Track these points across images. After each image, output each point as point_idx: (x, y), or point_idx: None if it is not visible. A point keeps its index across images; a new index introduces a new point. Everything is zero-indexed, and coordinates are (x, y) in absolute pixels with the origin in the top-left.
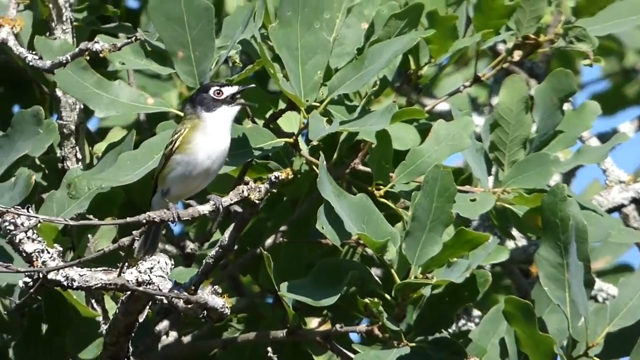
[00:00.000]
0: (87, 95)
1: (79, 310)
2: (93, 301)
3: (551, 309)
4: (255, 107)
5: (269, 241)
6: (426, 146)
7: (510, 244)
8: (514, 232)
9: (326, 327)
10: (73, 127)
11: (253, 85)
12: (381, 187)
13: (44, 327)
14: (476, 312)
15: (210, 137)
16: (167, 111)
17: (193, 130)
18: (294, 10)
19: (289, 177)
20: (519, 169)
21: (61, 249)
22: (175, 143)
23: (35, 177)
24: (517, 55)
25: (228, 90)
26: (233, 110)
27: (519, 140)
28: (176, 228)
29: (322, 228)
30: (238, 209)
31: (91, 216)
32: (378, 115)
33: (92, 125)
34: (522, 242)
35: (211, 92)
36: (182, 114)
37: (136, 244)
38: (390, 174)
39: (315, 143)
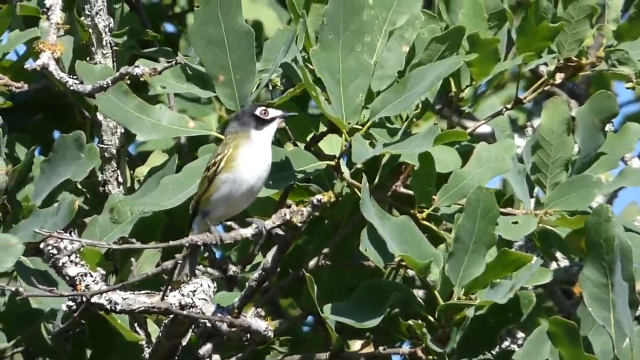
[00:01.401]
0: (129, 119)
1: (122, 334)
2: (136, 325)
3: (595, 330)
4: (295, 127)
5: (311, 264)
6: (468, 169)
7: (552, 265)
8: (556, 253)
9: (369, 349)
10: (114, 151)
11: (296, 113)
12: (424, 209)
13: (88, 351)
14: (520, 334)
15: (256, 154)
16: (208, 134)
17: (238, 148)
18: (335, 34)
19: (331, 200)
20: (561, 191)
21: (104, 272)
22: (220, 163)
23: (78, 202)
24: (559, 77)
25: (273, 112)
26: (273, 128)
27: (561, 162)
28: (218, 251)
29: (366, 250)
30: (280, 231)
31: (134, 240)
32: (420, 137)
33: (132, 148)
34: (564, 262)
35: (258, 112)
36: (222, 137)
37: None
38: (433, 197)
39: (359, 166)
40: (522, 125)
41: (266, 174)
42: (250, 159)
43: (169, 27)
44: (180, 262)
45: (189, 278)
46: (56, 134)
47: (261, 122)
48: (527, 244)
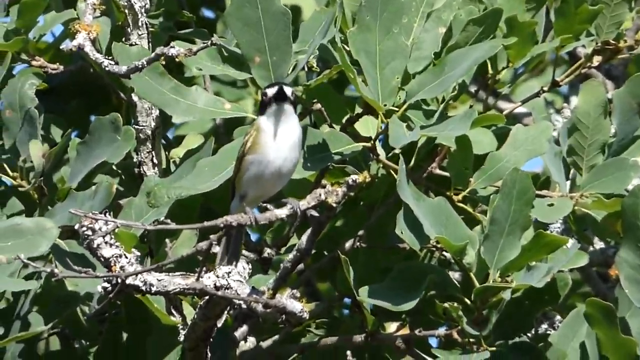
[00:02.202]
0: (165, 100)
1: (158, 316)
2: (172, 307)
3: (633, 312)
4: (330, 108)
5: (346, 246)
6: (504, 151)
7: (588, 248)
8: (593, 237)
9: (405, 331)
10: (149, 132)
11: (286, 86)
12: (459, 191)
13: (124, 334)
14: (556, 317)
15: (273, 135)
16: (244, 116)
17: (258, 132)
18: (373, 15)
19: (366, 180)
20: (597, 174)
21: (139, 254)
22: (246, 144)
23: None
24: (596, 60)
25: (270, 91)
26: (274, 107)
27: (598, 145)
28: (254, 234)
29: (402, 232)
30: (315, 213)
31: (168, 220)
32: (457, 120)
33: (170, 133)
34: (599, 245)
35: (262, 95)
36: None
37: (215, 249)
38: (469, 179)
39: (397, 151)
40: (558, 108)
41: (294, 152)
42: (269, 140)
43: (207, 12)
44: (214, 242)
45: (233, 263)
46: (92, 117)
47: (263, 105)
48: (563, 227)
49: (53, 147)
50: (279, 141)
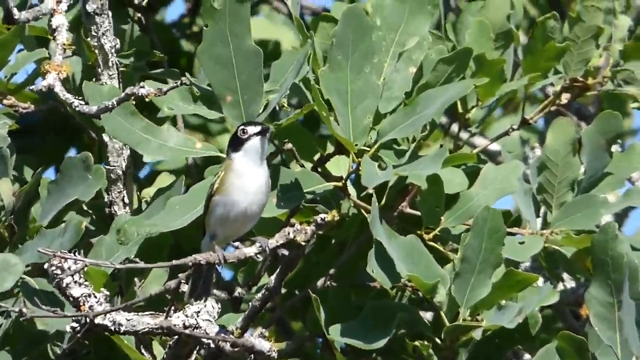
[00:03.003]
0: (136, 140)
1: (129, 355)
2: (142, 346)
3: (602, 350)
4: (301, 147)
5: (317, 284)
6: (475, 190)
7: (558, 286)
8: (563, 274)
9: None
10: (120, 172)
11: (271, 126)
12: (431, 230)
13: None
14: (526, 355)
15: (242, 176)
16: (216, 155)
17: (227, 171)
18: (344, 55)
19: (335, 219)
20: (567, 211)
21: (108, 293)
22: (214, 184)
23: (85, 223)
24: (564, 98)
25: (252, 129)
26: (256, 145)
27: (567, 182)
28: (227, 273)
29: (373, 271)
30: (284, 251)
31: (137, 259)
32: (429, 159)
33: (143, 173)
34: (570, 284)
35: (238, 132)
36: None
37: (184, 288)
38: (440, 217)
39: (370, 190)
40: (532, 146)
41: (257, 192)
42: (236, 181)
43: (187, 46)
44: (183, 281)
45: (204, 299)
46: (65, 155)
47: (239, 142)
48: (533, 264)
49: (24, 186)
50: (248, 183)
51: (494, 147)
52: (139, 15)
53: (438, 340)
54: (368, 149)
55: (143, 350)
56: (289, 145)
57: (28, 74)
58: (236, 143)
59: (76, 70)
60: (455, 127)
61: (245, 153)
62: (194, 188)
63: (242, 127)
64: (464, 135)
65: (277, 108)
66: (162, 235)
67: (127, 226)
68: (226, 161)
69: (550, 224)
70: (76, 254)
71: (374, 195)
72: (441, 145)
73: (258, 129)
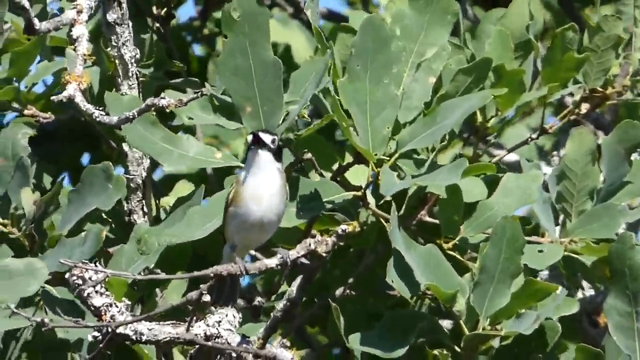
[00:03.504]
0: (156, 150)
1: None
2: (162, 356)
3: (622, 359)
4: (321, 157)
5: (336, 293)
6: (495, 199)
7: (578, 294)
8: (582, 282)
9: None
10: (140, 181)
11: (271, 132)
12: (450, 239)
13: None
14: None
15: (255, 187)
16: (235, 165)
17: (238, 183)
18: (363, 65)
19: (356, 230)
20: (586, 220)
21: (129, 302)
22: (229, 195)
23: (100, 225)
24: (584, 107)
25: (267, 138)
26: (251, 157)
27: (586, 191)
28: (244, 281)
29: (392, 281)
30: (305, 261)
31: (159, 270)
32: (448, 170)
33: (156, 176)
34: (589, 292)
35: (250, 140)
36: None
37: (206, 298)
38: (459, 227)
39: (388, 198)
40: (549, 152)
41: (271, 201)
42: (249, 191)
43: (199, 50)
44: (204, 292)
45: (231, 305)
46: (83, 161)
47: (253, 151)
48: (552, 273)
49: (44, 195)
50: (257, 192)
51: (511, 156)
52: (157, 25)
53: (457, 349)
54: (387, 158)
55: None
56: (308, 155)
57: (46, 84)
58: (248, 152)
59: (94, 80)
60: (473, 139)
61: (248, 164)
62: (213, 198)
63: (251, 135)
64: (483, 146)
65: (297, 118)
66: (182, 244)
67: (147, 236)
68: (243, 171)
69: (569, 232)
70: (96, 264)
71: (394, 204)
72: (460, 155)
73: (271, 137)
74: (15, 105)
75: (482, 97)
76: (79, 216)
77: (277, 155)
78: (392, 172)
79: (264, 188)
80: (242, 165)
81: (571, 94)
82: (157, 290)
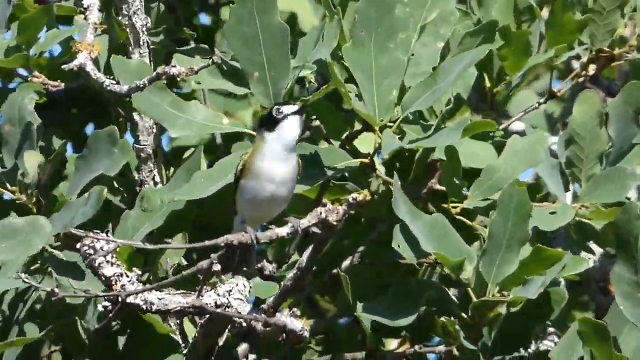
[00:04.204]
0: (163, 115)
1: (156, 328)
2: (171, 324)
3: (629, 328)
4: (329, 125)
5: (346, 262)
6: (501, 162)
7: (589, 262)
8: (593, 247)
9: (405, 347)
10: (150, 151)
11: (307, 107)
12: (457, 204)
13: (124, 349)
14: (554, 331)
15: (272, 159)
16: (242, 131)
17: (255, 153)
18: (367, 31)
19: (367, 198)
20: (595, 184)
21: (139, 272)
22: (241, 167)
23: (113, 200)
24: (591, 69)
25: (288, 109)
26: (292, 126)
27: (595, 155)
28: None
29: (398, 246)
30: (316, 230)
31: (169, 240)
32: (449, 130)
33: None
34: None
35: (273, 111)
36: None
37: (216, 268)
38: (464, 191)
39: (386, 157)
40: (557, 120)
41: (286, 176)
42: (264, 164)
43: (205, 19)
44: (215, 261)
45: (249, 270)
46: (89, 129)
47: (274, 122)
48: (563, 243)
49: (48, 159)
50: (278, 165)
51: (519, 126)
52: None
53: (466, 317)
54: (393, 124)
55: (173, 326)
56: (317, 123)
57: (52, 54)
58: (270, 122)
59: (105, 49)
60: (483, 106)
61: (280, 134)
62: (219, 162)
63: (277, 106)
64: (492, 114)
65: (306, 85)
66: (187, 207)
67: (151, 194)
68: (256, 142)
69: (579, 197)
70: (107, 233)
71: (395, 174)
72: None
73: (295, 108)
74: (23, 72)
75: (480, 51)
76: (85, 182)
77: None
78: (395, 135)
79: (281, 164)
80: (248, 131)
81: (578, 57)
82: (168, 260)
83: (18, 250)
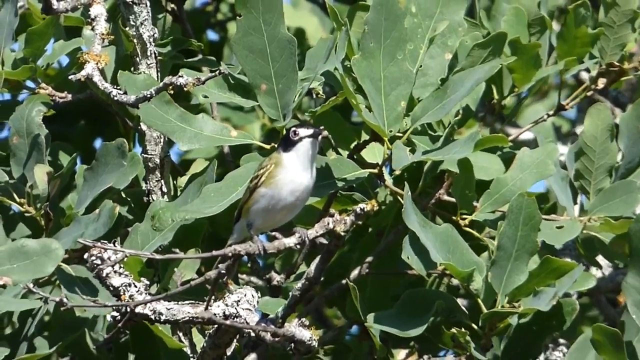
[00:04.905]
0: (171, 128)
1: (166, 343)
2: (180, 334)
3: None
4: (337, 135)
5: (354, 273)
6: (510, 174)
7: (597, 274)
8: (601, 260)
9: (414, 358)
10: (158, 161)
11: (325, 131)
12: (466, 216)
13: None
14: (562, 341)
15: (292, 174)
16: (250, 143)
17: (277, 167)
18: (376, 42)
19: (374, 209)
20: (605, 197)
21: (148, 282)
22: (261, 177)
23: (120, 210)
24: (601, 83)
25: (304, 132)
26: (304, 149)
27: (605, 168)
28: (262, 261)
29: (408, 258)
30: (323, 240)
31: (177, 250)
32: (461, 143)
33: (174, 157)
34: (608, 271)
35: (290, 133)
36: (264, 145)
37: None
38: (475, 203)
39: (397, 172)
40: (565, 133)
41: (304, 191)
42: (286, 177)
43: (212, 35)
44: (223, 272)
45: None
46: (97, 141)
47: (290, 143)
48: (571, 252)
49: (58, 173)
50: (297, 181)
51: (527, 136)
52: (172, 5)
53: (476, 328)
54: (402, 135)
55: (182, 338)
56: (325, 133)
57: (60, 65)
58: (287, 143)
59: (112, 60)
60: (490, 118)
61: (297, 154)
62: (229, 176)
63: (293, 128)
64: (499, 126)
65: (314, 96)
66: (197, 221)
67: (162, 212)
68: (275, 156)
69: (588, 210)
70: (115, 243)
71: (406, 183)
72: (478, 131)
73: (310, 131)
74: (30, 84)
75: (492, 67)
76: (94, 194)
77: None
78: (405, 147)
79: (303, 178)
80: (260, 143)
81: (587, 70)
82: (175, 270)
83: (29, 272)
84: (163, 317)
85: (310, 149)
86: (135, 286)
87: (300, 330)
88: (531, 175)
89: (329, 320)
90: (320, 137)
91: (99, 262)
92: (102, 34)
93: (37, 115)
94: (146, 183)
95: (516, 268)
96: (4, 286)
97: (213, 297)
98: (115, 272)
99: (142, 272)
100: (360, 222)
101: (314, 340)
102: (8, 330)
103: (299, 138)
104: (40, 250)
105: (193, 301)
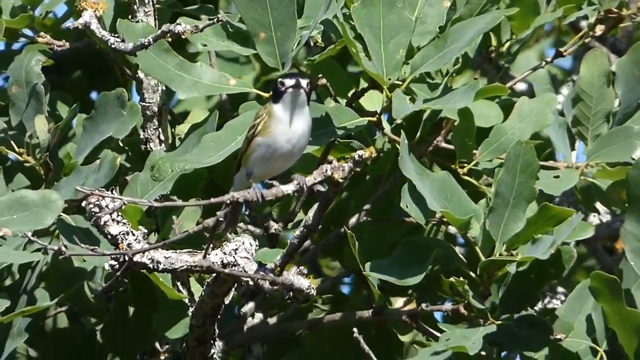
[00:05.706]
0: (170, 77)
1: (165, 292)
2: (179, 283)
3: (638, 284)
4: (335, 83)
5: (352, 220)
6: (509, 123)
7: (594, 220)
8: (599, 207)
9: (412, 306)
10: (156, 109)
11: (304, 80)
12: (464, 164)
13: (131, 309)
14: (561, 289)
15: (284, 124)
16: (249, 92)
17: (270, 118)
18: None
19: (372, 155)
20: (602, 143)
21: (146, 231)
22: (257, 127)
23: (120, 159)
24: (599, 29)
25: (288, 82)
26: (290, 99)
27: (602, 114)
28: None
29: (407, 206)
30: (321, 188)
31: (175, 197)
32: (461, 92)
33: (172, 106)
34: (606, 217)
35: (278, 84)
36: (262, 94)
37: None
38: (474, 152)
39: (399, 121)
40: (562, 80)
41: (301, 138)
42: (279, 127)
43: None
44: (221, 219)
45: (232, 230)
46: (94, 91)
47: (278, 94)
48: (569, 199)
49: (59, 123)
50: (291, 130)
51: (522, 86)
52: None
53: (474, 276)
54: (401, 83)
55: (180, 287)
56: (323, 81)
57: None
58: (276, 94)
59: (110, 8)
60: (487, 66)
61: (284, 105)
62: (228, 125)
63: (280, 79)
64: (496, 73)
65: (312, 44)
66: (196, 171)
67: (161, 162)
68: (268, 107)
69: (585, 156)
70: (113, 191)
71: (403, 132)
72: (475, 79)
73: (293, 82)
74: (29, 33)
75: (493, 18)
76: (93, 144)
77: (308, 97)
78: (404, 96)
79: (296, 127)
80: (258, 92)
81: (586, 17)
82: (174, 218)
83: (28, 224)
84: (161, 266)
85: (296, 99)
86: (134, 234)
87: (298, 278)
88: (530, 124)
89: (323, 271)
90: (304, 86)
91: (97, 210)
92: None
93: (36, 64)
94: (144, 131)
95: (514, 215)
96: (3, 237)
97: (211, 246)
98: (113, 220)
99: (142, 222)
100: (358, 169)
101: (313, 288)
102: (8, 282)
103: (284, 89)
104: (40, 202)
105: (191, 250)
